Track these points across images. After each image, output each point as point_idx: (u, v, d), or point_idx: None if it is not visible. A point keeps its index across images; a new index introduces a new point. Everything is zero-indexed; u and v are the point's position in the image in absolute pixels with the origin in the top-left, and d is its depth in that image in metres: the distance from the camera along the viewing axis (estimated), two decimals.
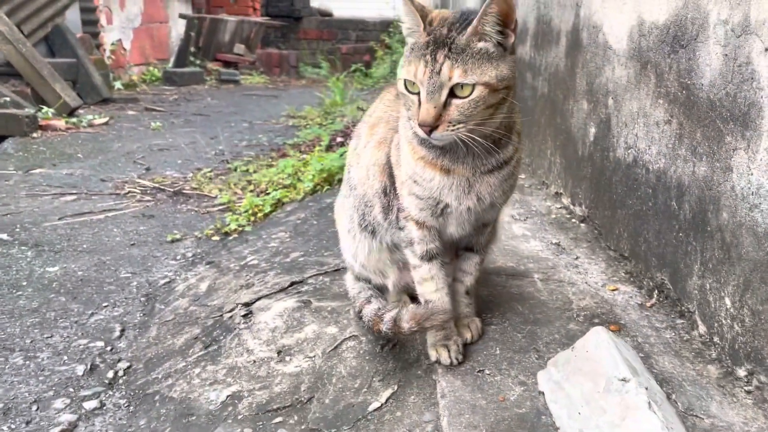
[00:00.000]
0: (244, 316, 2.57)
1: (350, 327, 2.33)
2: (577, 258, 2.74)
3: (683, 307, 2.14)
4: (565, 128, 3.35)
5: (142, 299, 3.27)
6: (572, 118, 3.24)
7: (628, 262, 2.57)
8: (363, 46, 14.21)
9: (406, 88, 1.69)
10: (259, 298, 2.67)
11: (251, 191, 4.95)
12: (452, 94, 1.61)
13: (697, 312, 2.04)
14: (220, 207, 4.73)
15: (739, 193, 1.78)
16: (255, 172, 5.55)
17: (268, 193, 4.73)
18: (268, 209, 4.36)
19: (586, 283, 2.48)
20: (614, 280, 2.51)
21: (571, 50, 3.26)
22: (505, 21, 1.60)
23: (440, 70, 1.59)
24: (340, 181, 4.59)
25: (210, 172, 5.69)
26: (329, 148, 5.61)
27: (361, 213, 2.23)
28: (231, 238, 4.05)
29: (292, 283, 2.74)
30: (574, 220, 3.16)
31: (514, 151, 1.86)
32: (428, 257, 2.04)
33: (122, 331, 2.94)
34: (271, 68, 13.67)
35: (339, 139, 5.67)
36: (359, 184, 2.23)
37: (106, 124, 7.82)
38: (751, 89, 1.74)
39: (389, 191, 2.10)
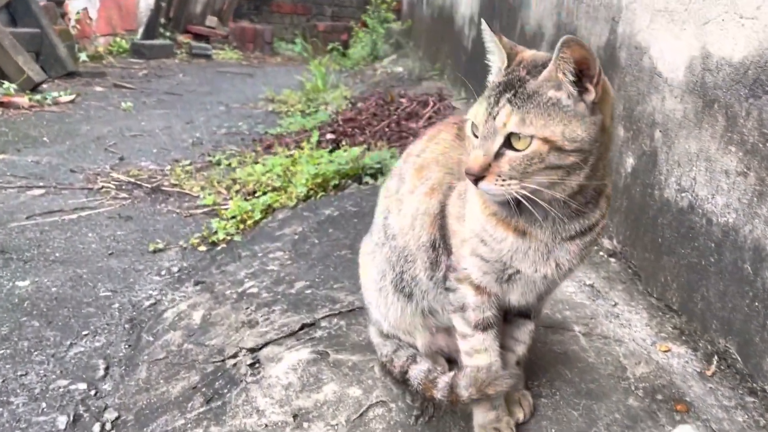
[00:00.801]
0: (251, 365, 2.28)
1: (376, 389, 2.06)
2: (615, 305, 2.51)
3: (754, 385, 1.94)
4: None
5: (126, 326, 2.95)
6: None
7: (677, 317, 2.36)
8: (341, 25, 13.76)
9: (471, 130, 1.47)
10: (266, 344, 2.38)
11: (237, 192, 4.60)
12: (509, 144, 1.38)
13: None
14: (204, 209, 4.39)
15: None
16: (239, 166, 5.19)
17: (257, 196, 4.40)
18: (258, 216, 4.03)
19: (633, 340, 2.26)
20: (663, 336, 2.29)
21: (604, 67, 2.99)
22: (583, 71, 1.36)
23: (497, 114, 1.38)
24: (335, 187, 4.31)
25: (189, 165, 5.32)
26: (319, 144, 5.28)
27: (399, 270, 1.94)
28: (219, 248, 3.73)
29: (303, 326, 2.45)
30: (602, 253, 2.94)
31: (601, 216, 1.61)
32: (483, 326, 1.78)
33: (106, 368, 2.62)
34: (244, 44, 13.13)
35: (329, 136, 5.35)
36: (400, 234, 1.93)
37: (72, 102, 7.32)
38: None
39: (438, 245, 1.82)
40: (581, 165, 1.41)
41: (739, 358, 2.01)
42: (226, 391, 2.21)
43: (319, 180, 4.25)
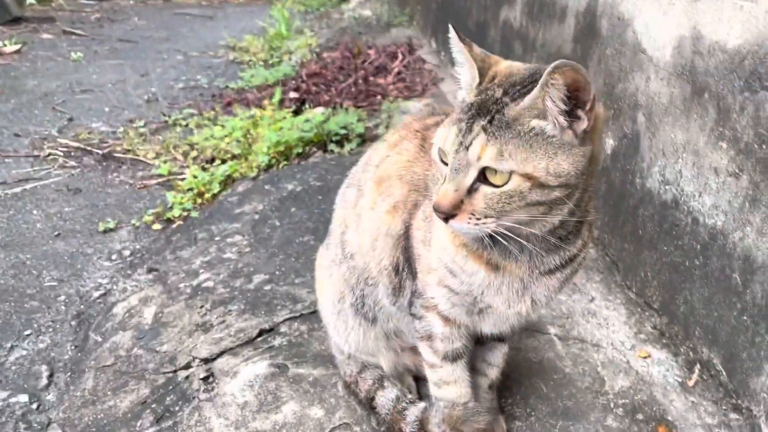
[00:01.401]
0: (205, 379, 2.11)
1: (339, 409, 1.91)
2: (592, 300, 2.38)
3: (739, 402, 1.83)
4: None
5: (73, 323, 2.75)
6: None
7: (657, 316, 2.23)
8: None
9: (439, 156, 1.27)
10: (221, 353, 2.21)
11: (195, 159, 4.33)
12: (484, 178, 1.19)
13: (765, 419, 1.72)
14: (160, 179, 4.12)
15: None
16: (197, 129, 4.89)
17: (215, 164, 4.14)
18: (216, 189, 3.80)
19: (611, 344, 2.14)
20: (642, 338, 2.17)
21: (583, 36, 2.78)
22: (577, 98, 1.16)
23: (470, 144, 1.18)
24: (299, 155, 4.06)
25: (144, 126, 4.99)
26: (282, 102, 4.99)
27: (360, 293, 1.76)
28: (175, 227, 3.50)
29: (261, 332, 2.28)
30: None
31: (583, 246, 1.43)
32: (452, 357, 1.63)
33: (50, 376, 2.44)
34: None
35: (292, 94, 5.05)
36: (359, 254, 1.74)
37: (18, 52, 6.85)
38: None
39: (402, 269, 1.63)
40: (565, 200, 1.23)
41: (724, 372, 1.90)
42: (177, 408, 2.05)
43: (281, 148, 4.00)
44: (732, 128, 1.84)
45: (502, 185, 1.18)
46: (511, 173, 1.17)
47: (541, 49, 3.25)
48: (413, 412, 1.72)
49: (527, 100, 1.18)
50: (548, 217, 1.25)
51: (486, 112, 1.20)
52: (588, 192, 1.32)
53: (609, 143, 2.56)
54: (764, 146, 1.71)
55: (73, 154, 4.49)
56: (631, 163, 2.39)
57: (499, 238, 1.26)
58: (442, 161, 1.26)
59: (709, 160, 1.94)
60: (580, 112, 1.18)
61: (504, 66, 1.29)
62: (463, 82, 1.31)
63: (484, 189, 1.19)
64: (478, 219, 1.20)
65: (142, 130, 4.90)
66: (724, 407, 1.86)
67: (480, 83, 1.26)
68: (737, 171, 1.82)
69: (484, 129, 1.18)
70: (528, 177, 1.17)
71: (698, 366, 1.99)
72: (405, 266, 1.61)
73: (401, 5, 7.49)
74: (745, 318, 1.79)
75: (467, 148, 1.19)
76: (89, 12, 9.43)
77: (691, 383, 1.96)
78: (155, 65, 6.91)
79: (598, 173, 1.36)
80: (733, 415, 1.83)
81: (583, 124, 1.19)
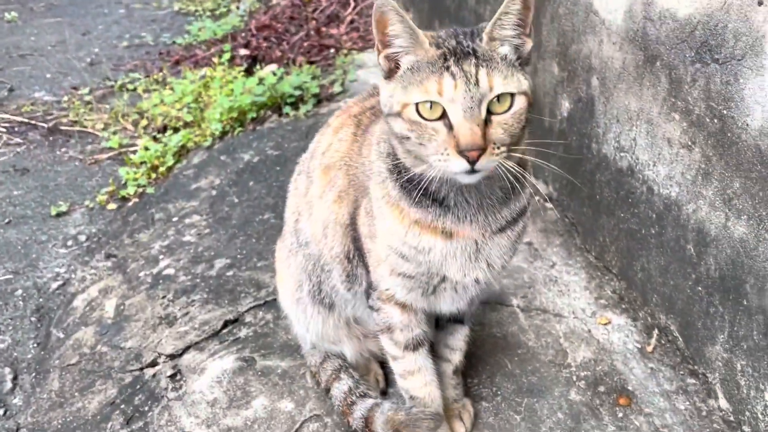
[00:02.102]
0: (172, 377, 2.10)
1: (309, 401, 1.93)
2: (553, 265, 2.41)
3: (695, 368, 1.89)
4: None
5: (33, 319, 2.70)
6: (536, 77, 2.76)
7: (616, 281, 2.27)
8: None
9: (420, 115, 1.26)
10: (187, 348, 2.20)
11: (145, 128, 4.19)
12: (488, 111, 1.26)
13: (719, 386, 1.79)
14: (110, 153, 3.99)
15: None
16: (145, 93, 4.71)
17: (167, 133, 4.01)
18: (170, 162, 3.69)
19: (573, 312, 2.18)
20: (602, 303, 2.21)
21: None
22: (524, 23, 1.30)
23: (477, 80, 1.24)
24: (253, 120, 3.95)
25: (89, 93, 4.79)
26: (232, 60, 4.81)
27: (317, 280, 1.77)
28: (131, 205, 3.42)
29: (226, 324, 2.26)
30: (538, 198, 2.80)
31: (529, 195, 1.51)
32: (413, 346, 1.66)
33: (14, 378, 2.41)
34: None
35: (243, 51, 4.86)
36: (313, 242, 1.75)
37: None
38: None
39: (353, 256, 1.64)
40: (528, 118, 1.33)
41: (680, 338, 1.96)
42: (146, 408, 2.04)
43: (234, 114, 3.88)
44: (684, 99, 1.83)
45: (508, 109, 1.26)
46: (514, 95, 1.26)
47: (495, 2, 3.16)
48: (360, 408, 1.74)
49: (488, 30, 1.28)
50: (521, 142, 1.35)
51: (464, 54, 1.26)
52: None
53: (565, 105, 2.53)
54: (716, 120, 1.70)
55: (16, 129, 4.30)
56: (586, 128, 2.37)
57: (484, 181, 1.34)
58: (425, 118, 1.26)
59: (662, 130, 1.94)
60: (525, 37, 1.31)
61: (429, 33, 1.35)
62: (398, 49, 1.32)
63: (497, 118, 1.26)
64: (498, 149, 1.26)
65: (87, 98, 4.71)
66: (681, 372, 1.92)
67: (429, 42, 1.30)
68: (690, 143, 1.82)
69: (478, 65, 1.24)
70: (525, 94, 1.28)
71: (656, 331, 2.05)
72: (355, 254, 1.63)
73: None
74: (699, 289, 1.83)
75: (477, 84, 1.23)
76: None
77: (649, 349, 2.02)
78: (96, 21, 6.59)
79: None
80: (690, 380, 1.89)
81: (528, 45, 1.33)
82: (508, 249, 1.50)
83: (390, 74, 1.34)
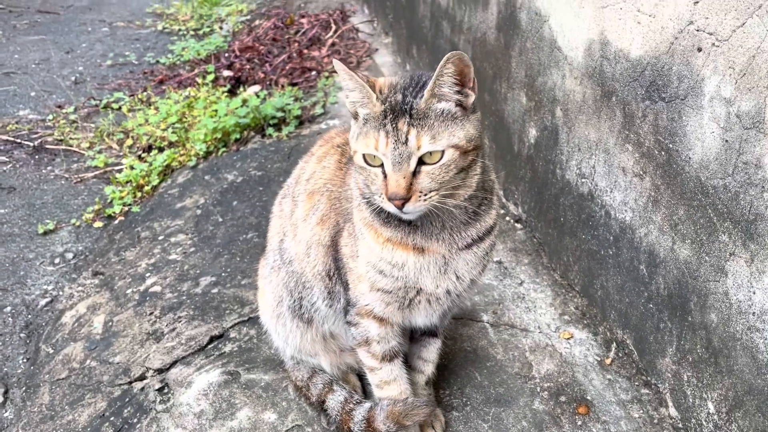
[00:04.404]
0: (160, 390, 2.21)
1: (291, 412, 2.05)
2: (521, 283, 2.57)
3: (649, 378, 2.05)
4: (496, 110, 3.04)
5: (22, 335, 2.79)
6: (506, 105, 2.93)
7: (579, 298, 2.43)
8: None
9: (366, 161, 1.47)
10: (174, 362, 2.31)
11: (130, 147, 4.30)
12: (420, 161, 1.43)
13: (669, 395, 1.95)
14: (96, 172, 4.09)
15: (735, 304, 1.63)
16: (130, 112, 4.81)
17: (152, 152, 4.12)
18: (155, 181, 3.81)
19: (538, 327, 2.33)
20: (566, 319, 2.37)
21: (505, 26, 2.88)
22: (463, 80, 1.45)
23: (406, 139, 1.41)
24: (237, 140, 4.08)
25: (74, 112, 4.88)
26: (216, 80, 4.95)
27: (297, 296, 1.91)
28: (117, 223, 3.52)
29: (212, 339, 2.38)
30: (508, 218, 2.96)
31: (496, 217, 1.68)
32: (389, 357, 1.81)
33: (5, 392, 2.50)
34: None
35: (226, 73, 5.00)
36: (296, 260, 1.89)
37: None
38: (761, 199, 1.53)
39: (333, 274, 1.80)
40: (477, 160, 1.50)
41: (635, 352, 2.12)
42: (135, 420, 2.15)
43: (218, 135, 4.01)
44: (636, 132, 2.00)
45: (438, 161, 1.42)
46: (443, 150, 1.41)
47: (468, 33, 3.34)
48: (360, 412, 1.88)
49: (427, 92, 1.41)
50: (467, 180, 1.51)
51: (402, 112, 1.42)
52: (485, 162, 1.59)
53: (532, 133, 2.70)
54: (663, 153, 1.87)
55: (2, 147, 4.38)
56: (551, 155, 2.54)
57: (435, 212, 1.49)
58: (369, 164, 1.46)
59: (618, 159, 2.11)
60: (467, 90, 1.46)
61: (382, 81, 1.51)
62: (352, 103, 1.51)
63: (425, 168, 1.42)
64: (425, 195, 1.42)
65: (73, 116, 4.81)
66: (636, 383, 2.08)
67: (377, 96, 1.45)
68: (641, 172, 1.99)
69: (411, 124, 1.41)
70: (456, 147, 1.43)
71: (614, 345, 2.21)
72: (335, 273, 1.78)
73: None
74: (651, 306, 1.99)
75: (405, 143, 1.40)
76: None
77: (608, 362, 2.17)
78: (80, 39, 6.68)
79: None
80: (644, 390, 2.05)
81: (471, 98, 1.47)
82: (475, 264, 1.66)
83: (356, 117, 1.52)
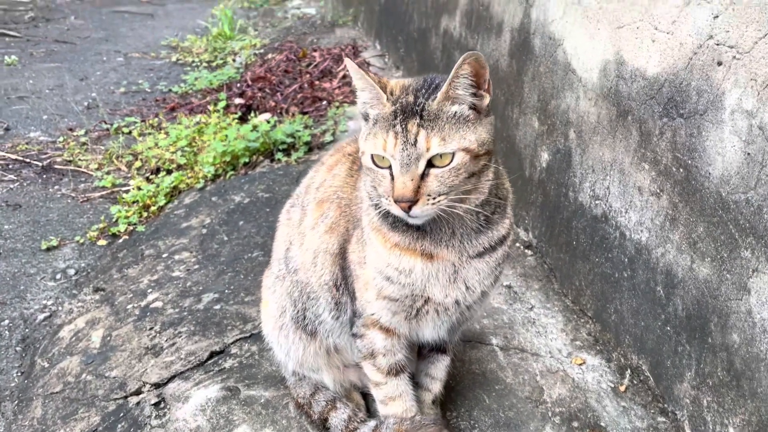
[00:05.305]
0: (156, 405, 2.14)
1: (291, 430, 1.97)
2: (531, 308, 2.50)
3: (665, 405, 1.97)
4: (507, 136, 3.02)
5: (18, 348, 2.72)
6: (518, 130, 2.91)
7: (591, 323, 2.36)
8: None
9: (374, 162, 1.43)
10: (172, 377, 2.23)
11: (139, 169, 4.29)
12: (429, 164, 1.39)
13: (687, 422, 1.86)
14: (103, 192, 4.07)
15: (760, 323, 1.56)
16: (141, 136, 4.83)
17: (160, 174, 4.11)
18: (162, 202, 3.78)
19: (549, 352, 2.25)
20: (578, 345, 2.29)
21: (518, 52, 2.88)
22: (478, 82, 1.42)
23: (415, 141, 1.38)
24: (246, 164, 4.07)
25: (85, 134, 4.90)
26: (227, 108, 4.97)
27: (302, 307, 1.85)
28: (121, 242, 3.48)
29: (212, 354, 2.31)
30: (518, 245, 2.91)
31: (510, 226, 1.62)
32: (395, 371, 1.73)
33: None
34: None
35: (238, 100, 5.03)
36: (302, 269, 1.83)
37: None
38: None
39: (340, 284, 1.74)
40: (489, 165, 1.46)
41: (651, 378, 2.04)
42: None
43: (227, 158, 4.00)
44: (653, 151, 1.96)
45: (448, 164, 1.38)
46: (453, 152, 1.37)
47: None
48: (365, 430, 1.80)
49: (441, 93, 1.38)
50: (479, 185, 1.46)
51: (412, 113, 1.39)
52: (498, 167, 1.55)
53: (544, 157, 2.67)
54: (681, 170, 1.83)
55: (11, 166, 4.38)
56: (564, 177, 2.50)
57: (445, 217, 1.44)
58: (377, 166, 1.42)
59: (633, 179, 2.07)
60: (482, 92, 1.42)
61: (393, 82, 1.48)
62: (363, 104, 1.48)
63: (434, 171, 1.38)
64: (434, 198, 1.38)
65: (83, 139, 4.82)
66: (652, 411, 1.99)
67: (387, 97, 1.43)
68: (658, 191, 1.94)
69: (421, 125, 1.37)
70: (466, 150, 1.38)
71: (629, 371, 2.13)
72: (342, 282, 1.73)
73: (345, 5, 7.50)
74: (668, 328, 1.92)
75: (414, 144, 1.36)
76: (22, 11, 9.12)
77: (622, 388, 2.09)
78: (95, 68, 6.77)
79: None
80: (660, 419, 1.96)
81: (486, 100, 1.44)
82: (487, 274, 1.60)
83: (366, 118, 1.49)
